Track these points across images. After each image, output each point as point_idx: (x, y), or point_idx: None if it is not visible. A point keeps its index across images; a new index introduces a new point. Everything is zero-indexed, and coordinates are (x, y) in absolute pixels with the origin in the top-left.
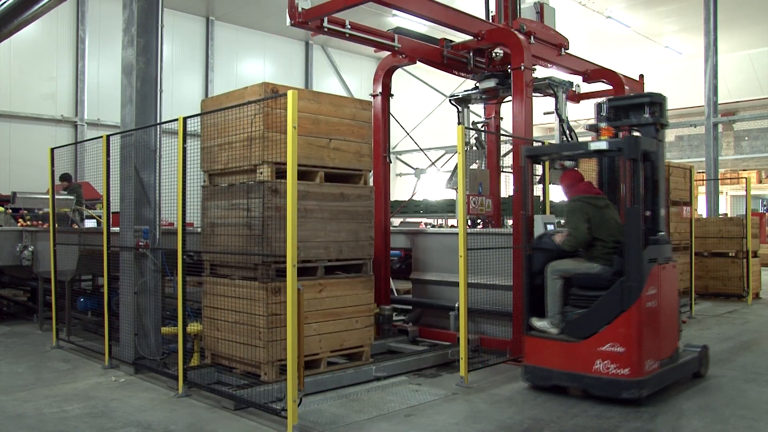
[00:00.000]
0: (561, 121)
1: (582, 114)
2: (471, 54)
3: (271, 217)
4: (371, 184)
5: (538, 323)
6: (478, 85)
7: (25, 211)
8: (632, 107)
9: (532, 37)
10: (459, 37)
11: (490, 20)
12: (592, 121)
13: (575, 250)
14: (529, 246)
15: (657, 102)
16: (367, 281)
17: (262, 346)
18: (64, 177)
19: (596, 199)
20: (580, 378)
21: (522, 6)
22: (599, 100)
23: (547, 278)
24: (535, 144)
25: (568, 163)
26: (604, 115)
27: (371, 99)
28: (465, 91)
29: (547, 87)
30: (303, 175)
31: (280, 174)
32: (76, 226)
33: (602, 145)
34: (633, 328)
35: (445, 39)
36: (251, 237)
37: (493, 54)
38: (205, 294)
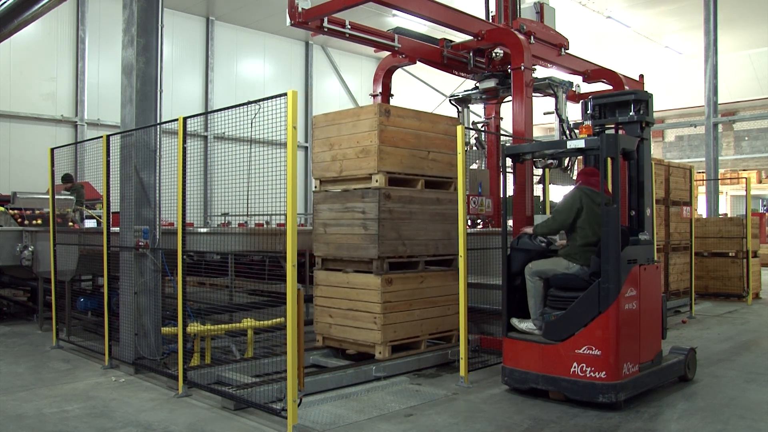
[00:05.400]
0: (561, 121)
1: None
2: (471, 54)
3: (386, 219)
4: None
5: (521, 325)
6: (478, 85)
7: (15, 211)
8: (618, 105)
9: (532, 37)
10: (459, 37)
11: (490, 20)
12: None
13: (546, 235)
14: (509, 246)
15: (642, 99)
16: (456, 274)
17: (377, 329)
18: (66, 178)
19: (596, 194)
20: (558, 381)
21: (522, 6)
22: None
23: (527, 279)
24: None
25: (551, 161)
26: (589, 112)
27: (371, 99)
28: (465, 91)
29: (547, 87)
30: (407, 182)
31: (392, 182)
32: (73, 224)
33: (580, 143)
34: (610, 330)
35: (445, 39)
36: (366, 235)
37: (493, 54)
38: (317, 285)
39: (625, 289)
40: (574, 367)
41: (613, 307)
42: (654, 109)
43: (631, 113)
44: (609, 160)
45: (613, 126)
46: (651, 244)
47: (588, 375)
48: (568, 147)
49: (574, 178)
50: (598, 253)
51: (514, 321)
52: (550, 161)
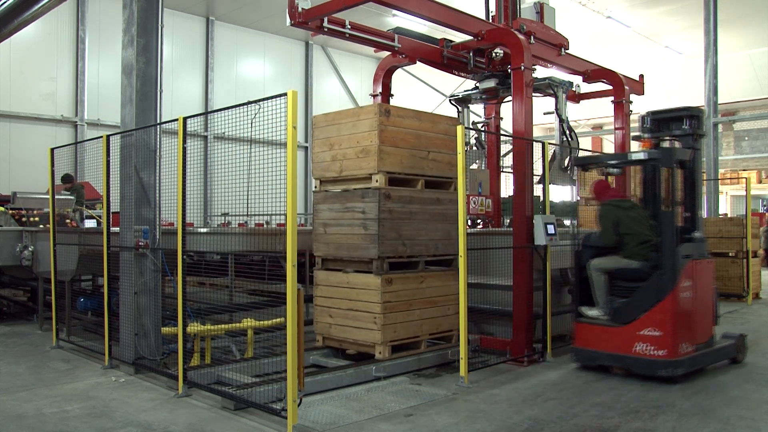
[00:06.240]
0: (561, 121)
1: (582, 114)
2: (471, 54)
3: (386, 219)
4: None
5: (590, 312)
6: (478, 85)
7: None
8: (672, 119)
9: (532, 37)
10: (459, 37)
11: (490, 20)
12: (595, 121)
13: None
14: (578, 243)
15: (695, 115)
16: (456, 274)
17: (377, 329)
18: (66, 178)
19: (622, 201)
20: (623, 358)
21: (522, 6)
22: (642, 112)
23: (591, 274)
24: (537, 144)
25: (614, 171)
26: (647, 126)
27: (371, 99)
28: (465, 91)
29: (547, 87)
30: (407, 182)
31: (392, 182)
32: (70, 221)
33: (641, 155)
34: (668, 315)
35: (445, 39)
36: (366, 235)
37: (493, 54)
38: (317, 285)
39: (682, 280)
40: (637, 346)
41: (672, 294)
42: (654, 109)
43: (684, 126)
44: (666, 170)
45: (668, 138)
46: (704, 241)
47: (650, 353)
48: (631, 159)
49: (574, 178)
50: (657, 248)
51: (583, 308)
52: (611, 170)
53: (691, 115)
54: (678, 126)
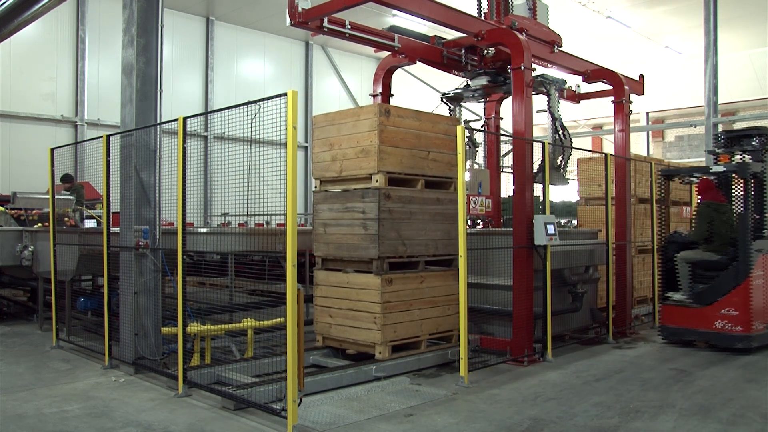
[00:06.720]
0: (554, 119)
1: (582, 114)
2: (463, 51)
3: (386, 219)
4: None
5: (675, 296)
6: (469, 83)
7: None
8: (743, 137)
9: (523, 34)
10: (451, 34)
11: (482, 16)
12: (595, 121)
13: (696, 240)
14: (665, 240)
15: (764, 133)
16: (456, 274)
17: (377, 329)
18: (66, 178)
19: (720, 205)
20: (705, 333)
21: (515, 3)
22: (718, 130)
23: (678, 264)
24: (537, 144)
25: (693, 180)
26: (721, 142)
27: (371, 99)
28: (456, 89)
29: (540, 85)
30: (407, 182)
31: (392, 182)
32: (68, 220)
33: (721, 168)
34: (744, 297)
35: (436, 36)
36: (366, 235)
37: (485, 51)
38: (317, 285)
39: (755, 270)
40: (717, 323)
41: (747, 281)
42: (654, 109)
43: (754, 143)
44: (741, 180)
45: (738, 153)
46: None
47: (728, 329)
48: (712, 170)
49: (573, 178)
50: (735, 244)
51: (669, 293)
52: (692, 178)
53: (761, 133)
54: (748, 142)
